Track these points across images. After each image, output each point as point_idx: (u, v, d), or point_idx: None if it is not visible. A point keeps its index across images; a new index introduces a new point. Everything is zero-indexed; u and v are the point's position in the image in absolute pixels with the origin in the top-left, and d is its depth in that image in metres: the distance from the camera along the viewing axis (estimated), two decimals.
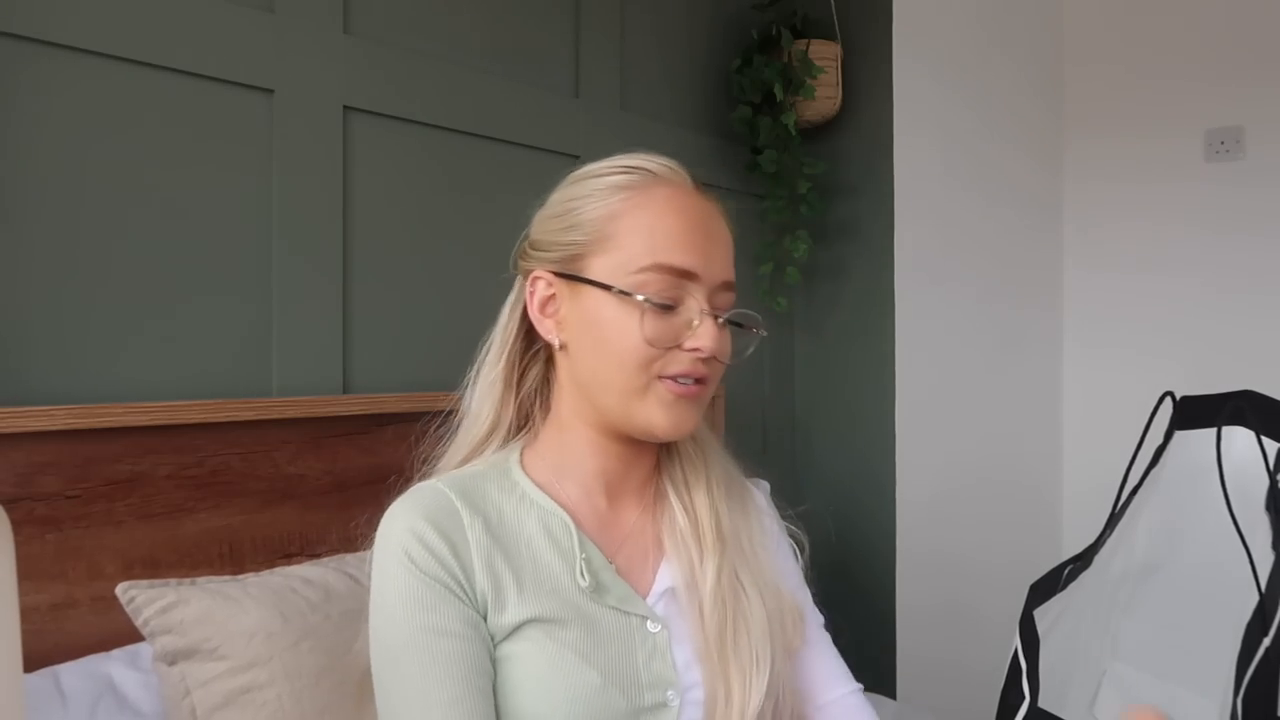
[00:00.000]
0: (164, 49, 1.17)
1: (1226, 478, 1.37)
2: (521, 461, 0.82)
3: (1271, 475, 1.36)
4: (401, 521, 0.75)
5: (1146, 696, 1.51)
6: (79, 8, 1.10)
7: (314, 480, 1.27)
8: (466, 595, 0.73)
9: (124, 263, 1.16)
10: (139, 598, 0.97)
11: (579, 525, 0.79)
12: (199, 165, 1.22)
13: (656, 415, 0.76)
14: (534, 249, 0.81)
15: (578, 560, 0.76)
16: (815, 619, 0.90)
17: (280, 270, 1.29)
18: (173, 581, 1.00)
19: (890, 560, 2.09)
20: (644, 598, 0.79)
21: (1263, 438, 1.40)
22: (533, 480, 0.80)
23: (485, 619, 0.73)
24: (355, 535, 1.32)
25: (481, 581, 0.73)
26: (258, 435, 1.21)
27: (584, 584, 0.75)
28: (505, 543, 0.76)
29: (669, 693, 0.75)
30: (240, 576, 1.06)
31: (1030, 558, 2.47)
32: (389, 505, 0.77)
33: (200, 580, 1.02)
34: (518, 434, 0.85)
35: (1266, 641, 1.19)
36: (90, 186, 1.13)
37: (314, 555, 1.23)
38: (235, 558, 1.18)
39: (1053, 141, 2.63)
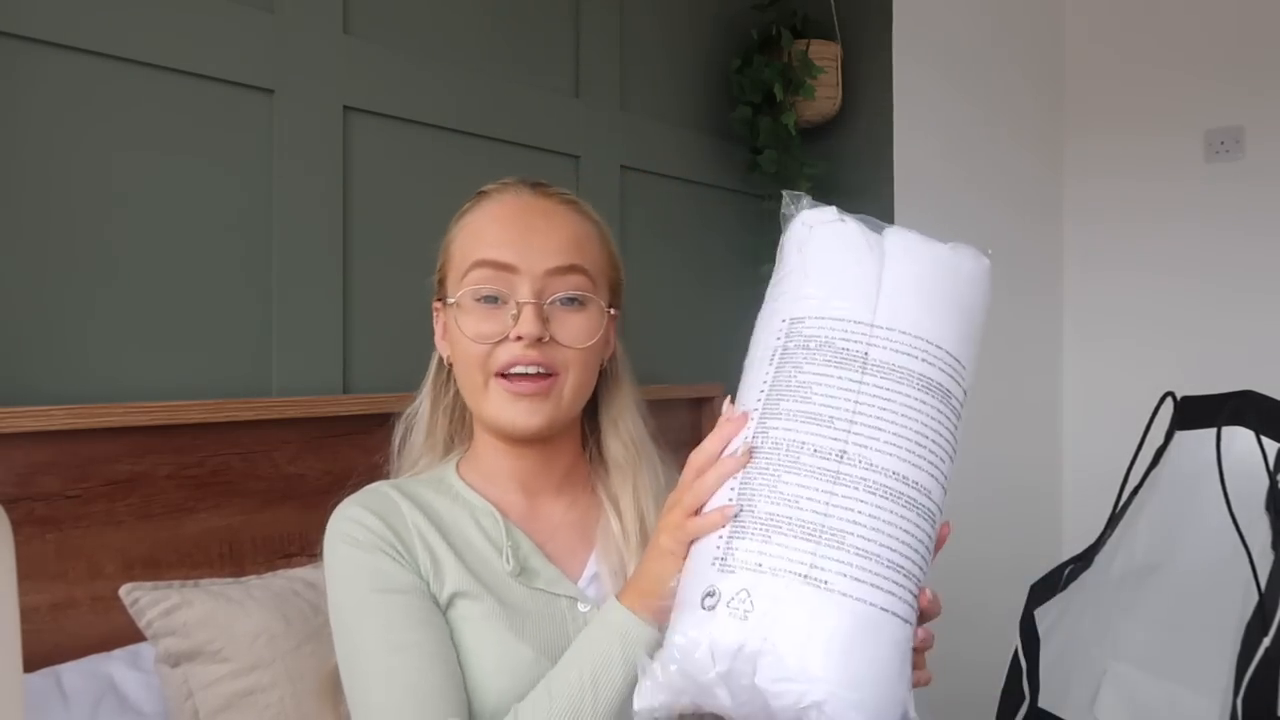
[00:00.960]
0: (164, 49, 1.17)
1: (1227, 478, 1.37)
2: (457, 470, 0.89)
3: (1271, 475, 1.37)
4: (340, 513, 0.82)
5: (1146, 696, 1.51)
6: (79, 8, 1.10)
7: (314, 480, 1.27)
8: (407, 561, 0.78)
9: (124, 263, 1.15)
10: (143, 599, 0.97)
11: (506, 517, 0.85)
12: (199, 165, 1.22)
13: (501, 413, 0.81)
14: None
15: (505, 546, 0.81)
16: None
17: (280, 270, 1.29)
18: (176, 583, 1.00)
19: None
20: (574, 581, 0.84)
21: (1262, 438, 1.40)
22: (465, 483, 0.87)
23: (428, 585, 0.78)
24: None
25: (421, 555, 0.79)
26: (258, 435, 1.21)
27: (508, 567, 0.80)
28: (440, 528, 0.82)
29: None
30: (243, 579, 1.07)
31: (1030, 557, 2.46)
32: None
33: (203, 582, 1.02)
34: (452, 450, 0.92)
35: (1266, 641, 1.19)
36: (90, 186, 1.13)
37: (314, 555, 1.22)
38: (235, 558, 1.18)
39: (1053, 141, 2.63)
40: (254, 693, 0.96)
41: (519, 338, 0.79)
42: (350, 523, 0.80)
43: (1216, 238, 2.38)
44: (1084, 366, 2.64)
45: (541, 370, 0.80)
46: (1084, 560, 1.54)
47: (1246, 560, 1.30)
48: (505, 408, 0.81)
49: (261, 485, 1.22)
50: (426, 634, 0.74)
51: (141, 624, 0.96)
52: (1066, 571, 1.53)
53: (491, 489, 0.87)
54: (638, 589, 0.70)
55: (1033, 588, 1.52)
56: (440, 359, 0.91)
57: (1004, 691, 1.41)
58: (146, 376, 1.17)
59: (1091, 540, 1.59)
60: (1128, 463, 1.60)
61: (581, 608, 0.81)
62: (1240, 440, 1.43)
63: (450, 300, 0.83)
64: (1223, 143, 2.36)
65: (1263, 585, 1.26)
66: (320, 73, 1.33)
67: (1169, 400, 1.56)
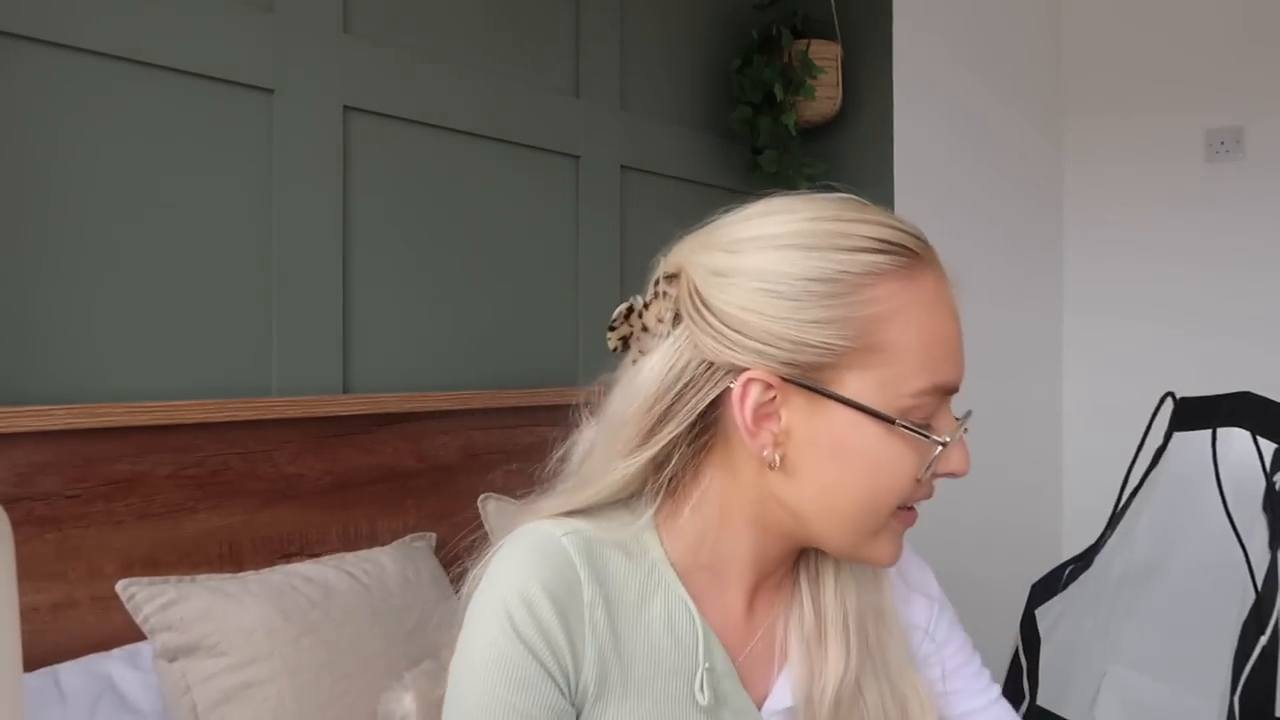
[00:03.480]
0: (164, 49, 1.17)
1: (1227, 479, 1.38)
2: (658, 534, 0.67)
3: (1268, 476, 1.37)
4: (513, 579, 0.63)
5: (1146, 699, 1.51)
6: (79, 8, 1.10)
7: (314, 480, 1.27)
8: (566, 685, 0.62)
9: (124, 262, 1.15)
10: (139, 594, 0.97)
11: (706, 620, 0.66)
12: (199, 165, 1.22)
13: (885, 551, 0.64)
14: (739, 332, 0.60)
15: (700, 669, 0.64)
16: (977, 683, 0.77)
17: (280, 270, 1.29)
18: (173, 578, 1.00)
19: None
20: (758, 708, 0.67)
21: (1259, 438, 1.40)
22: (668, 557, 0.67)
23: (580, 713, 0.63)
24: (357, 535, 1.33)
25: (587, 673, 0.62)
26: (258, 435, 1.21)
27: (703, 700, 0.63)
28: (623, 630, 0.64)
29: None
30: (240, 574, 1.07)
31: (1030, 555, 2.47)
32: (498, 546, 0.66)
33: (200, 577, 1.02)
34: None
35: (1263, 640, 1.20)
36: (90, 186, 1.13)
37: (314, 555, 1.23)
38: (235, 557, 1.18)
39: (1054, 141, 2.63)
40: (252, 686, 0.96)
41: (951, 472, 0.63)
42: (519, 602, 0.61)
43: (1217, 239, 2.38)
44: (1085, 366, 2.64)
45: None
46: (1084, 560, 1.54)
47: (1244, 561, 1.30)
48: (895, 544, 0.65)
49: (261, 485, 1.22)
50: None
51: (138, 619, 0.97)
52: (1067, 572, 1.53)
53: (702, 580, 0.67)
54: None
55: (1034, 587, 1.53)
56: (689, 432, 0.64)
57: (1003, 689, 1.41)
58: (146, 376, 1.17)
59: (1091, 536, 1.59)
60: (1128, 461, 1.60)
61: None
62: (1240, 441, 1.43)
63: (891, 419, 0.59)
64: (1223, 143, 2.36)
65: (1259, 585, 1.27)
66: (320, 72, 1.33)
67: (1169, 400, 1.57)
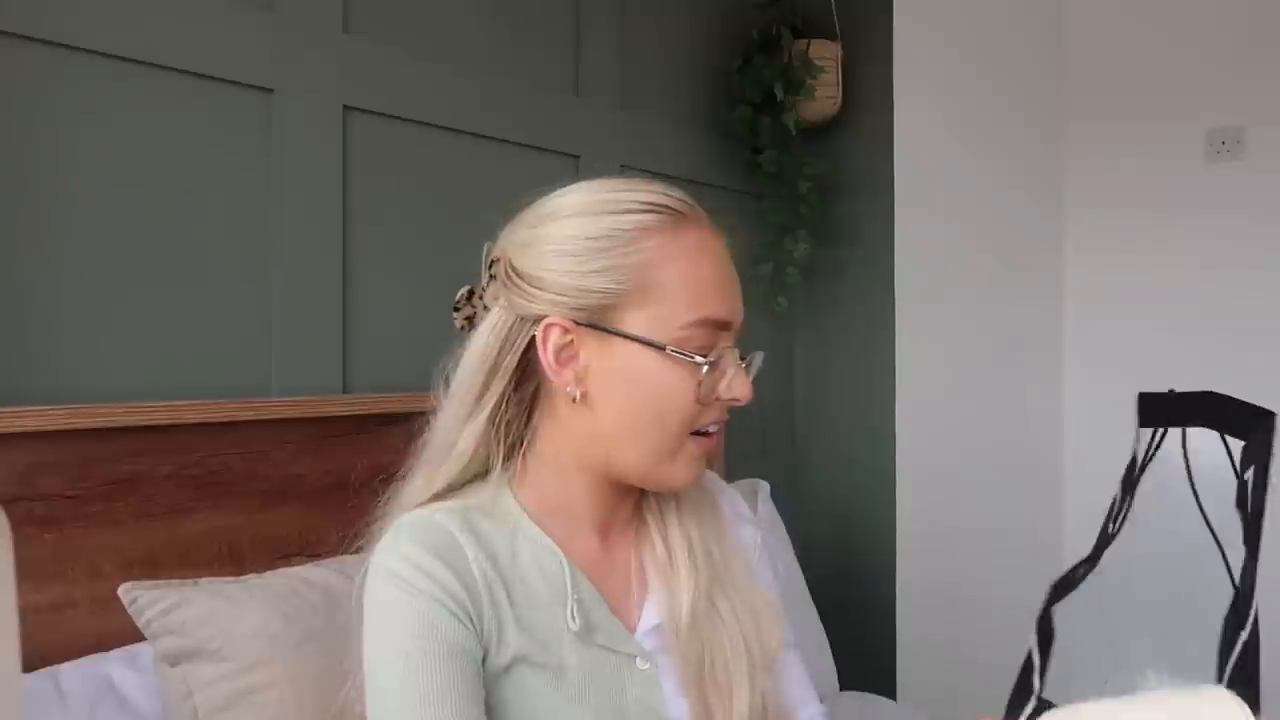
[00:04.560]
0: (164, 48, 1.17)
1: (1202, 477, 1.40)
2: (515, 495, 0.78)
3: (1238, 474, 1.38)
4: (392, 547, 0.71)
5: None
6: (79, 7, 1.10)
7: (314, 480, 1.27)
8: (475, 627, 0.70)
9: (123, 262, 1.15)
10: (141, 598, 0.96)
11: (571, 560, 0.76)
12: (198, 165, 1.22)
13: (683, 472, 0.75)
14: (538, 288, 0.73)
15: (569, 599, 0.74)
16: (786, 634, 0.88)
17: (280, 270, 1.29)
18: (175, 582, 1.00)
19: (890, 558, 2.09)
20: (632, 633, 0.77)
21: (1226, 437, 1.42)
22: (527, 514, 0.77)
23: (484, 659, 0.71)
24: (356, 537, 1.32)
25: (487, 614, 0.71)
26: (258, 435, 1.21)
27: (574, 626, 0.73)
28: (503, 577, 0.73)
29: None
30: (242, 578, 1.06)
31: (1031, 554, 2.47)
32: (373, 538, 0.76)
33: (202, 581, 1.02)
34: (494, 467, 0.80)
35: (1244, 635, 1.20)
36: (89, 186, 1.13)
37: (314, 556, 1.22)
38: (235, 558, 1.18)
39: (1055, 142, 2.63)
40: (254, 691, 0.95)
41: (733, 398, 0.74)
42: (406, 563, 0.69)
43: (1217, 239, 2.38)
44: (1085, 365, 2.64)
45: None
46: (1092, 561, 1.55)
47: (1222, 558, 1.32)
48: (692, 466, 0.75)
49: (261, 485, 1.21)
50: (476, 713, 0.67)
51: (140, 623, 0.96)
52: (1080, 570, 1.54)
53: (559, 525, 0.77)
54: None
55: (1054, 585, 1.53)
56: (512, 383, 0.76)
57: (1015, 687, 1.42)
58: (146, 376, 1.17)
59: (1091, 536, 1.60)
60: (1127, 458, 1.60)
61: (641, 665, 0.76)
62: (1214, 439, 1.45)
63: (667, 349, 0.70)
64: (1223, 143, 2.36)
65: (1237, 580, 1.28)
66: (320, 72, 1.33)
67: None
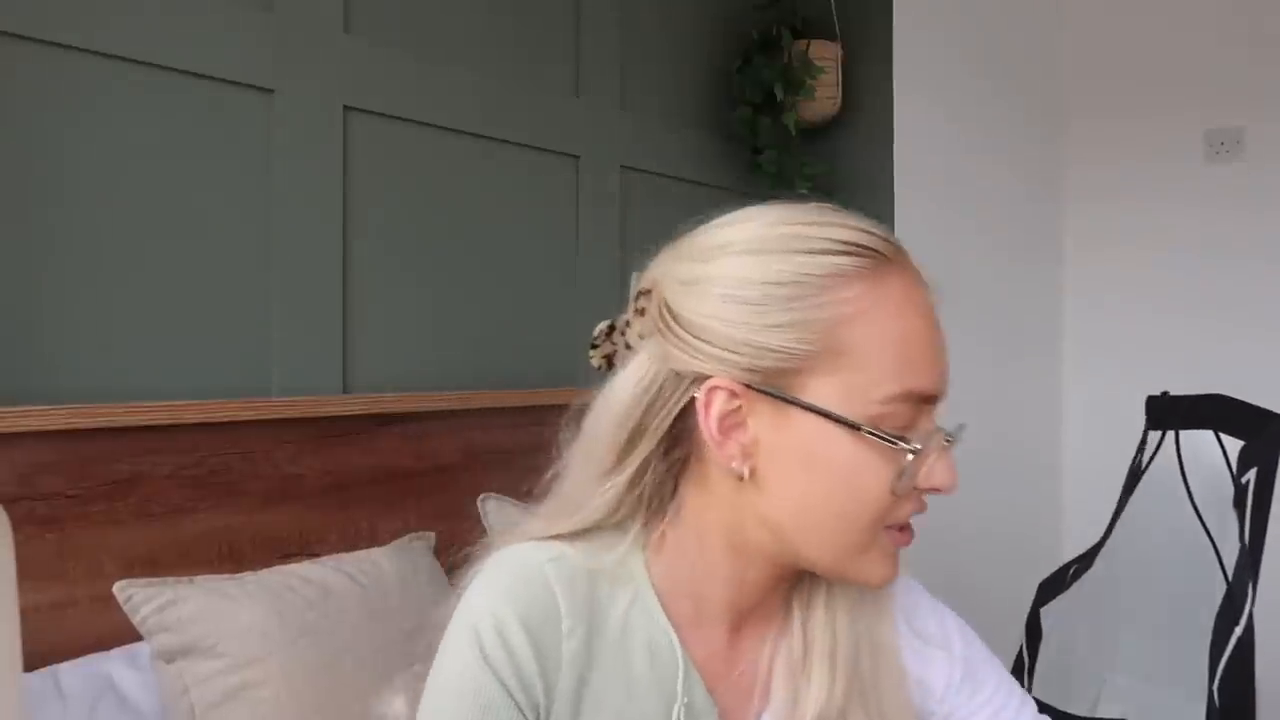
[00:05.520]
0: (164, 49, 1.17)
1: (1199, 479, 1.40)
2: (646, 562, 0.66)
3: (1233, 473, 1.39)
4: (488, 605, 0.62)
5: (1143, 704, 1.52)
6: (79, 7, 1.10)
7: (314, 480, 1.27)
8: (535, 716, 0.61)
9: (124, 262, 1.15)
10: (136, 596, 0.97)
11: (688, 652, 0.64)
12: (199, 165, 1.22)
13: (878, 570, 0.61)
14: (702, 339, 0.59)
15: (678, 703, 0.63)
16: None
17: (280, 270, 1.29)
18: (170, 580, 1.00)
19: None
20: None
21: (1222, 436, 1.43)
22: (652, 587, 0.65)
23: None
24: (356, 535, 1.33)
25: (560, 705, 0.61)
26: (258, 435, 1.21)
27: None
28: (602, 661, 0.63)
29: None
30: (238, 575, 1.07)
31: (1031, 554, 2.47)
32: (473, 570, 0.65)
33: (198, 579, 1.02)
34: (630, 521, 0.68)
35: (1238, 630, 1.21)
36: (90, 186, 1.13)
37: (314, 555, 1.23)
38: (235, 558, 1.18)
39: (1054, 141, 2.63)
40: (249, 687, 0.96)
41: (935, 488, 0.60)
42: (490, 626, 0.61)
43: (1217, 239, 2.38)
44: (1085, 366, 2.64)
45: None
46: (1086, 561, 1.55)
47: (1215, 555, 1.33)
48: (887, 564, 0.61)
49: (261, 485, 1.22)
50: None
51: (136, 620, 0.97)
52: (1071, 571, 1.54)
53: (684, 607, 0.65)
54: None
55: (1041, 586, 1.53)
56: (661, 448, 0.64)
57: None
58: (146, 376, 1.17)
59: (1091, 535, 1.60)
60: (1127, 459, 1.60)
61: None
62: (1212, 441, 1.46)
63: (856, 425, 0.57)
64: (1223, 143, 2.36)
65: (1230, 575, 1.28)
66: (320, 72, 1.33)
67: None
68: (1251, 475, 1.33)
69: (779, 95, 1.93)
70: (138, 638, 1.00)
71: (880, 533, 0.60)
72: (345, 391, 1.37)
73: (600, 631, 0.63)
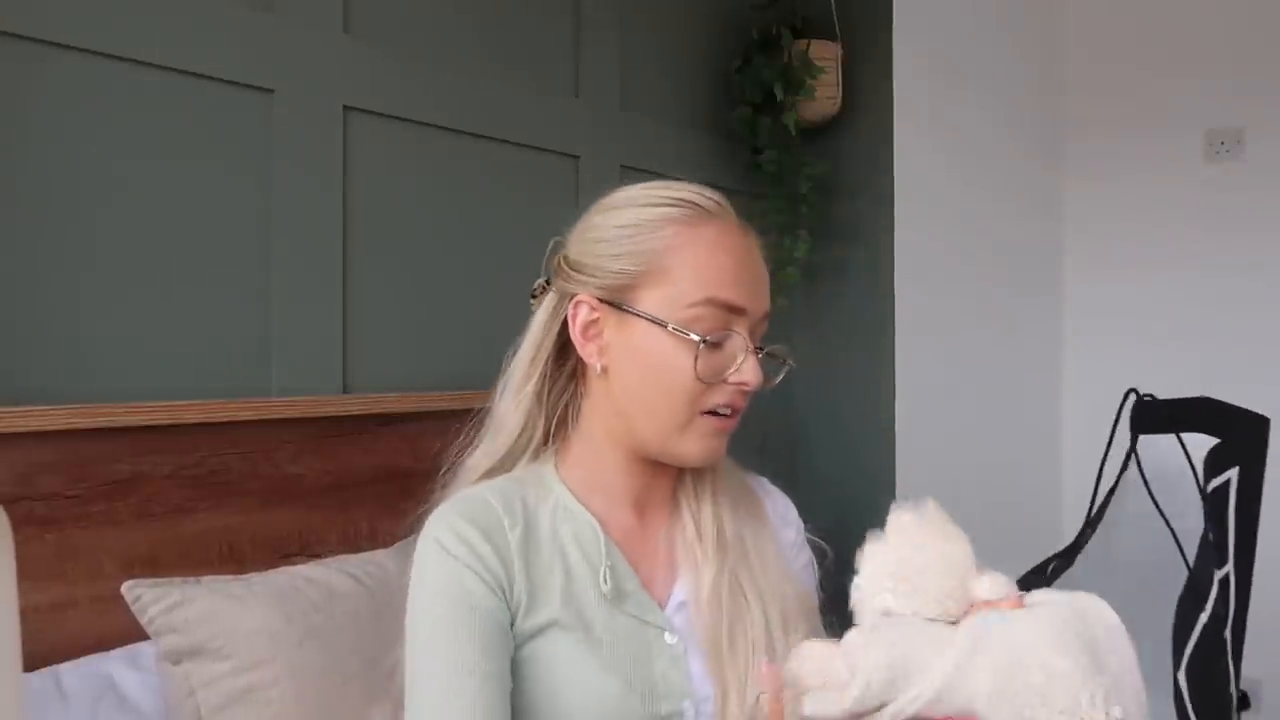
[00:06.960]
0: (164, 49, 1.17)
1: (1172, 484, 1.42)
2: (557, 471, 0.84)
3: (1194, 469, 1.41)
4: (440, 519, 0.78)
5: None
6: (79, 8, 1.10)
7: (314, 480, 1.27)
8: (502, 592, 0.75)
9: (124, 262, 1.15)
10: (144, 596, 0.97)
11: (607, 534, 0.81)
12: (199, 165, 1.22)
13: (695, 447, 0.79)
14: (575, 270, 0.81)
15: (603, 566, 0.79)
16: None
17: (280, 270, 1.29)
18: (178, 580, 1.00)
19: None
20: (662, 609, 0.81)
21: (1182, 436, 1.48)
22: (568, 489, 0.83)
23: (514, 622, 0.76)
24: (357, 535, 1.33)
25: (520, 583, 0.76)
26: (258, 435, 1.21)
27: (605, 589, 0.78)
28: (540, 548, 0.79)
29: (684, 703, 0.77)
30: (244, 576, 1.07)
31: (1030, 554, 2.47)
32: (426, 511, 0.81)
33: (205, 579, 1.02)
34: (544, 445, 0.87)
35: (1204, 617, 1.21)
36: (90, 186, 1.13)
37: (314, 555, 1.23)
38: (235, 558, 1.18)
39: (1053, 141, 2.63)
40: (255, 690, 0.96)
41: (741, 382, 0.78)
42: (449, 532, 0.77)
43: (1216, 238, 2.39)
44: (1084, 366, 2.64)
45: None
46: (1066, 558, 1.55)
47: (1177, 546, 1.34)
48: (703, 442, 0.79)
49: (261, 485, 1.22)
50: (501, 666, 0.73)
51: (143, 621, 0.96)
52: (1051, 568, 1.54)
53: (597, 500, 0.83)
54: None
55: (1019, 582, 1.54)
56: (554, 358, 0.85)
57: None
58: (146, 376, 1.17)
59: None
60: (1119, 464, 1.61)
61: (669, 639, 0.79)
62: (1200, 440, 1.48)
63: (669, 325, 0.76)
64: (1223, 143, 2.36)
65: (1190, 562, 1.29)
66: (320, 73, 1.33)
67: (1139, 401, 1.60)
68: (1233, 474, 1.34)
69: (779, 95, 1.92)
70: (139, 637, 1.00)
71: (697, 416, 0.78)
72: (345, 391, 1.37)
73: (535, 529, 0.80)
